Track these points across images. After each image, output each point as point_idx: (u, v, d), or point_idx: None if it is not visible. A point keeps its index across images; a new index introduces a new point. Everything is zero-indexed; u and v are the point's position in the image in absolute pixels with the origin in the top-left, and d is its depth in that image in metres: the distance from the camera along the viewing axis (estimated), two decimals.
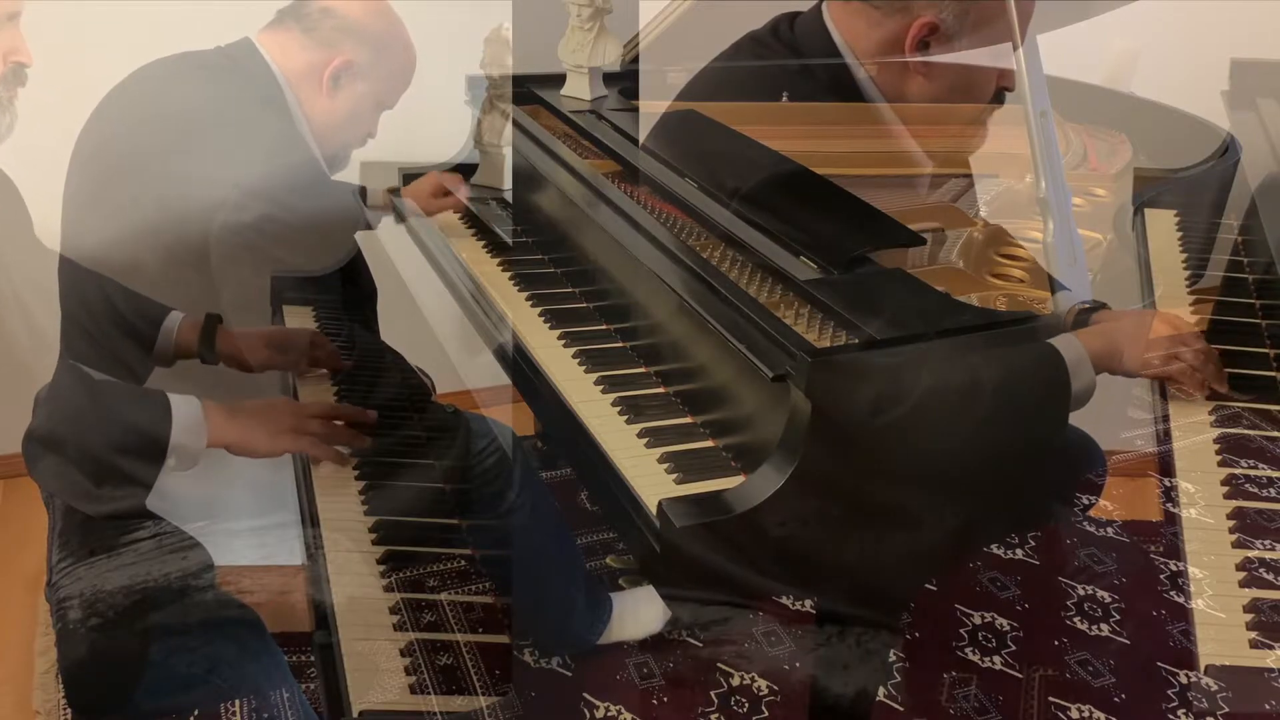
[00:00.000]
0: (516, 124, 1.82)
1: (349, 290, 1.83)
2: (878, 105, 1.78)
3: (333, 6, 1.70)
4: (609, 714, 1.80)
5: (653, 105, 1.76)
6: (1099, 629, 2.03)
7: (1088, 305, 1.27)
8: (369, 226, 1.85)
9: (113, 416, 1.35)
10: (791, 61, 1.76)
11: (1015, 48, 1.35)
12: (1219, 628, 1.13)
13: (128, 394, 1.41)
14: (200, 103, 1.64)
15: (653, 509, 1.08)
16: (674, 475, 1.16)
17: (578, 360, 1.40)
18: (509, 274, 1.67)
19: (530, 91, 1.86)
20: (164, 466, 1.35)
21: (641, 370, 1.39)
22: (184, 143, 1.60)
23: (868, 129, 1.76)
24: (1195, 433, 1.34)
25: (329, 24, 1.69)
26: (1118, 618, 2.06)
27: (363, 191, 1.86)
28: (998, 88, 1.77)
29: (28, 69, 1.29)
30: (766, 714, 1.82)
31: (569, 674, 1.88)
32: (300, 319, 1.78)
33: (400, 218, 1.87)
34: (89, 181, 1.62)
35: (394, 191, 1.89)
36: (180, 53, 1.69)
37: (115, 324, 1.55)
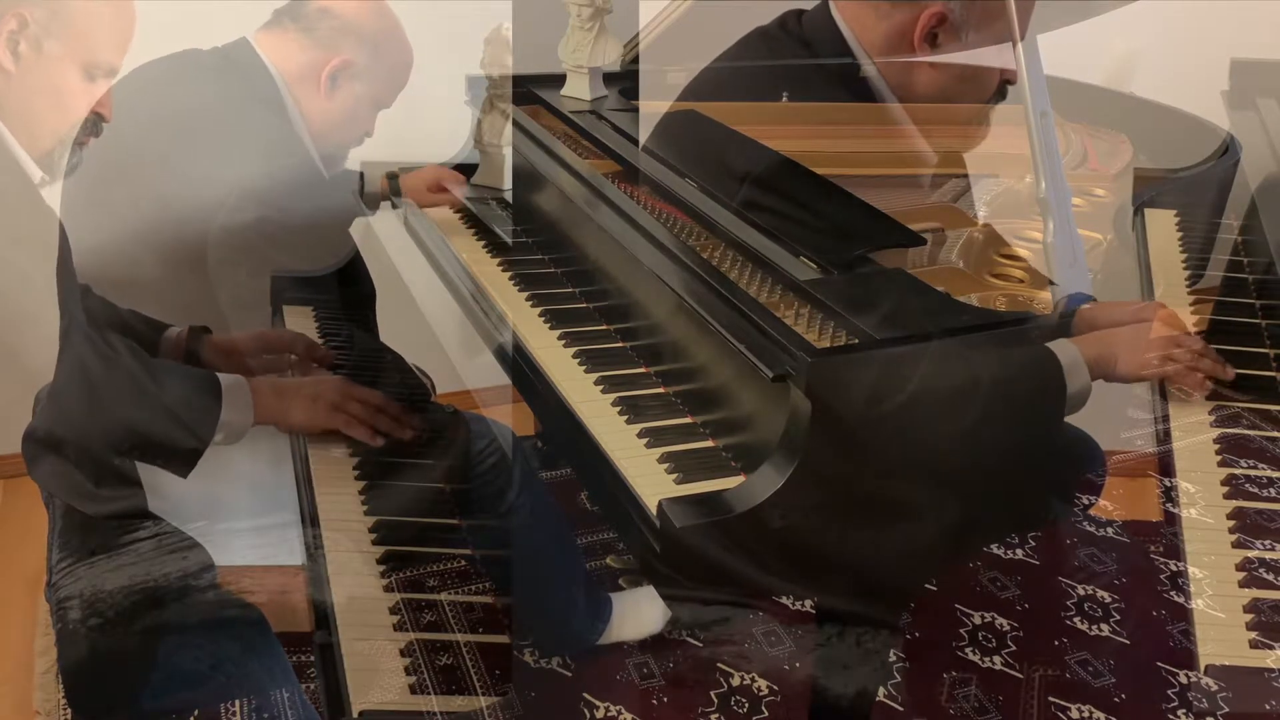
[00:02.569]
0: (516, 124, 1.82)
1: (348, 291, 1.83)
2: (878, 105, 1.78)
3: (331, 6, 1.70)
4: (609, 714, 1.80)
5: (653, 105, 1.76)
6: (1099, 629, 2.03)
7: (1078, 299, 1.28)
8: (365, 213, 1.85)
9: (167, 389, 1.37)
10: (799, 61, 1.77)
11: (1015, 43, 1.35)
12: (1219, 628, 1.13)
13: (180, 370, 1.44)
14: (197, 103, 1.64)
15: (653, 509, 1.08)
16: (674, 475, 1.16)
17: (578, 360, 1.40)
18: (509, 274, 1.67)
19: (530, 91, 1.86)
20: (213, 441, 1.38)
21: (641, 370, 1.39)
22: (181, 143, 1.60)
23: (868, 129, 1.76)
24: (1195, 433, 1.34)
25: (327, 24, 1.69)
26: (1118, 618, 2.06)
27: (360, 178, 1.86)
28: (1001, 81, 1.77)
29: (105, 124, 1.36)
30: (766, 714, 1.82)
31: (569, 674, 1.88)
32: (300, 319, 1.78)
33: (395, 205, 1.87)
34: (85, 182, 1.61)
35: (392, 177, 1.89)
36: (177, 53, 1.68)
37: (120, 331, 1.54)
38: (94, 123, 1.34)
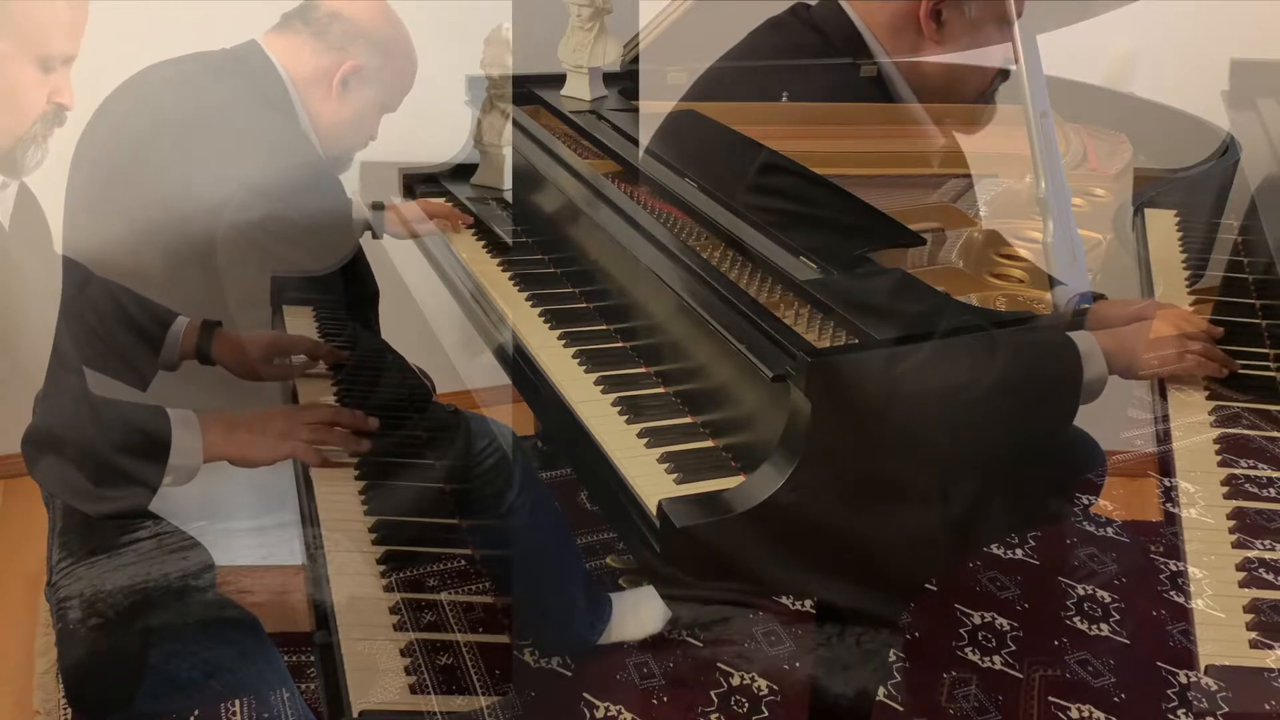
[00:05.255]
0: (516, 124, 1.82)
1: (351, 291, 1.83)
2: (878, 105, 1.78)
3: (342, 10, 1.70)
4: (609, 714, 1.80)
5: (653, 105, 1.76)
6: (1099, 629, 2.03)
7: (1087, 297, 1.28)
8: (370, 228, 1.85)
9: (112, 437, 1.35)
10: (808, 61, 1.78)
11: (1012, 22, 1.35)
12: (1219, 628, 1.13)
13: (129, 413, 1.40)
14: (206, 104, 1.64)
15: (653, 509, 1.08)
16: (674, 475, 1.16)
17: (578, 360, 1.40)
18: (509, 274, 1.67)
19: (530, 91, 1.86)
20: (162, 484, 1.35)
21: (641, 370, 1.39)
22: (189, 143, 1.60)
23: (867, 129, 1.76)
24: (1195, 433, 1.34)
25: (339, 28, 1.69)
26: (1118, 618, 2.06)
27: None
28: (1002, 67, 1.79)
29: (68, 111, 1.30)
30: (766, 714, 1.82)
31: (569, 674, 1.88)
32: (300, 319, 1.78)
33: (376, 235, 1.86)
34: (93, 182, 1.62)
35: (377, 207, 1.88)
36: (186, 54, 1.68)
37: (124, 324, 1.55)
38: (55, 113, 1.28)
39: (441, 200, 1.90)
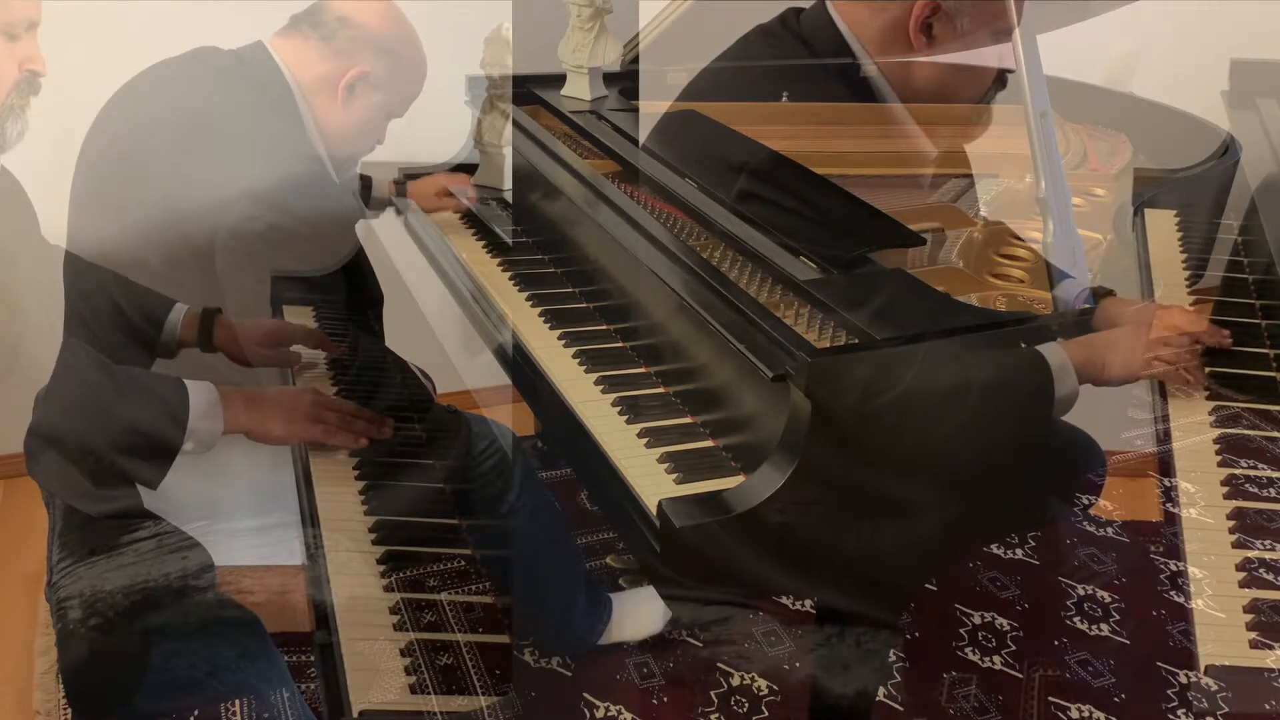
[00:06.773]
0: (516, 124, 1.82)
1: (355, 294, 1.83)
2: (878, 105, 1.78)
3: (350, 15, 1.68)
4: (609, 714, 1.80)
5: (653, 105, 1.76)
6: (1099, 629, 2.03)
7: (1099, 291, 1.28)
8: (367, 215, 1.85)
9: (132, 398, 1.35)
10: (801, 61, 1.77)
11: (1013, 29, 1.35)
12: (1219, 628, 1.13)
13: (146, 377, 1.41)
14: (211, 105, 1.64)
15: (653, 509, 1.08)
16: (674, 475, 1.16)
17: (578, 360, 1.40)
18: (509, 274, 1.67)
19: (530, 91, 1.86)
20: (181, 449, 1.35)
21: (641, 370, 1.39)
22: (191, 145, 1.59)
23: (868, 129, 1.76)
24: (1195, 433, 1.34)
25: (347, 34, 1.67)
26: (1118, 618, 2.06)
27: (367, 182, 1.86)
28: (999, 71, 1.77)
29: (41, 78, 1.29)
30: (766, 714, 1.82)
31: (569, 674, 1.88)
32: (300, 319, 1.78)
33: (400, 211, 1.88)
34: (96, 180, 1.62)
35: (399, 184, 1.89)
36: (192, 51, 1.68)
37: (116, 323, 1.55)
38: (30, 80, 1.27)
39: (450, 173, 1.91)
